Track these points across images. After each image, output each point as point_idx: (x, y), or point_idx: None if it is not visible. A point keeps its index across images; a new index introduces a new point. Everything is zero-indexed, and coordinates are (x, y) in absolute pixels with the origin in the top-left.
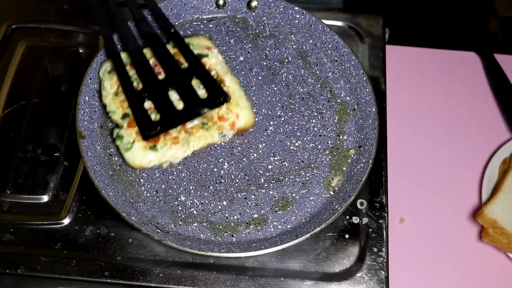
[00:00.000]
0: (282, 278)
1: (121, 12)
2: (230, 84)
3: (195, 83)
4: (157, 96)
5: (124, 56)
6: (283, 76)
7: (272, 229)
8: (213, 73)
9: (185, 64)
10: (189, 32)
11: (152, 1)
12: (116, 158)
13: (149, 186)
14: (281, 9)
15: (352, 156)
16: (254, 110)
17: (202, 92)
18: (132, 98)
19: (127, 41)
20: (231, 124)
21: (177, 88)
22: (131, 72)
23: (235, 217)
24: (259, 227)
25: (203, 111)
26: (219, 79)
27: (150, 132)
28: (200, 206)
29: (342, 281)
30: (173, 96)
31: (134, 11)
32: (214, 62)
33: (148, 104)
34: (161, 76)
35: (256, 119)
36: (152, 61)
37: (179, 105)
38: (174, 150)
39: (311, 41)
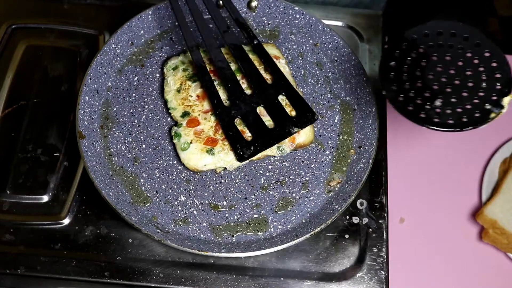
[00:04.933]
0: (282, 278)
1: (206, 23)
2: None
3: (281, 99)
4: (247, 114)
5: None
6: None
7: (272, 229)
8: None
9: (267, 77)
10: None
11: (236, 11)
12: (116, 158)
13: (149, 186)
14: (281, 9)
15: (352, 156)
16: None
17: (289, 109)
18: (223, 116)
19: (212, 52)
20: (291, 139)
21: (265, 105)
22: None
23: (235, 217)
24: (259, 227)
25: (294, 130)
26: None
27: (244, 153)
28: (200, 206)
29: (342, 281)
30: (259, 111)
31: (219, 22)
32: None
33: (237, 121)
34: (248, 91)
35: None
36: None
37: (267, 121)
38: (231, 157)
39: (311, 41)
